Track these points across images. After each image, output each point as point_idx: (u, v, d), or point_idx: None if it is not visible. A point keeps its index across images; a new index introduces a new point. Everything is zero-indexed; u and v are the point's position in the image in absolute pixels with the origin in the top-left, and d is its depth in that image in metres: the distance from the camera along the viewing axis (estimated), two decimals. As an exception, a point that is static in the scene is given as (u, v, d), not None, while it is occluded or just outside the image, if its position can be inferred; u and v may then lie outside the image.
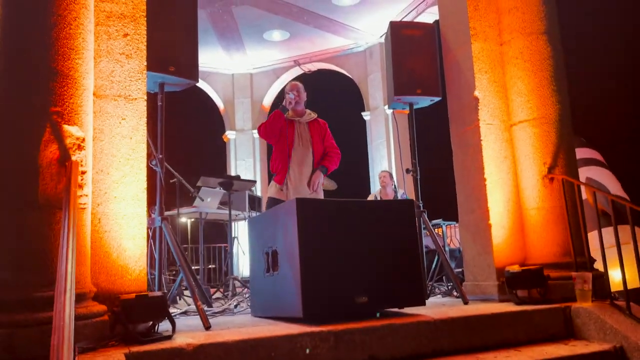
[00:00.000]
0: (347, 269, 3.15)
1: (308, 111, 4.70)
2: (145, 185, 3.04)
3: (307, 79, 10.63)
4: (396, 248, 3.31)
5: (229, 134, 11.26)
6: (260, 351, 2.65)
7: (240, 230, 8.74)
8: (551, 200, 3.87)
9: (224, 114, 11.45)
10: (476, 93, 4.13)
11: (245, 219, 6.73)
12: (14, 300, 2.39)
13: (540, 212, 3.91)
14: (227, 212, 5.87)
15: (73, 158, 2.65)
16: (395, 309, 3.36)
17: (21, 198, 2.50)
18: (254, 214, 6.67)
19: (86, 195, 2.73)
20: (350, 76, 10.83)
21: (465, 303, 3.79)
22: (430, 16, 9.10)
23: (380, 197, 7.50)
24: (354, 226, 3.23)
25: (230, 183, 5.47)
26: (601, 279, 3.59)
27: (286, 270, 3.18)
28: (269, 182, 4.69)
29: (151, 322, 2.74)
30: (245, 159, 11.12)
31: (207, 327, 2.99)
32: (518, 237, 4.02)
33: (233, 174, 10.41)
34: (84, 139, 2.71)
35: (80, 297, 2.57)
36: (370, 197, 7.72)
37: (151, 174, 3.30)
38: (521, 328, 3.29)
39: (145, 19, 3.20)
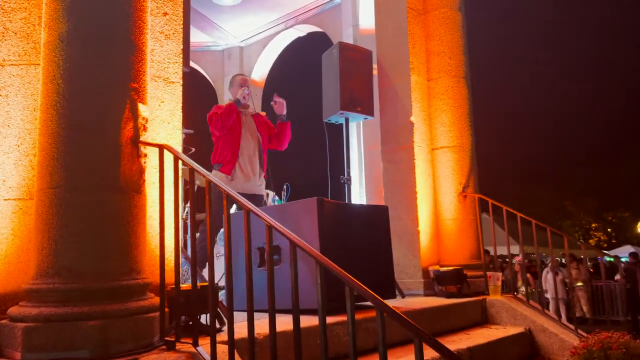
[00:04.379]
0: (347, 264, 3.48)
1: (248, 104, 4.86)
2: (180, 173, 2.92)
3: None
4: (376, 247, 3.77)
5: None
6: (311, 339, 2.85)
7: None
8: (464, 213, 4.79)
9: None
10: (412, 118, 4.85)
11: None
12: (101, 290, 2.17)
13: (455, 222, 4.80)
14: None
15: (141, 138, 2.49)
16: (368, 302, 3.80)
17: (103, 180, 2.27)
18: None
19: (145, 180, 2.56)
20: (204, 73, 10.74)
21: (403, 297, 4.42)
22: (296, 32, 9.71)
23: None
24: (351, 227, 3.59)
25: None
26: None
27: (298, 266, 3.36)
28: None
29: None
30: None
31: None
32: (435, 242, 4.84)
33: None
34: (147, 120, 2.56)
35: (145, 288, 2.43)
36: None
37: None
38: (460, 316, 4.07)
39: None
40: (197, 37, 10.17)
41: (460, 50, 5.06)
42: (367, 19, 7.65)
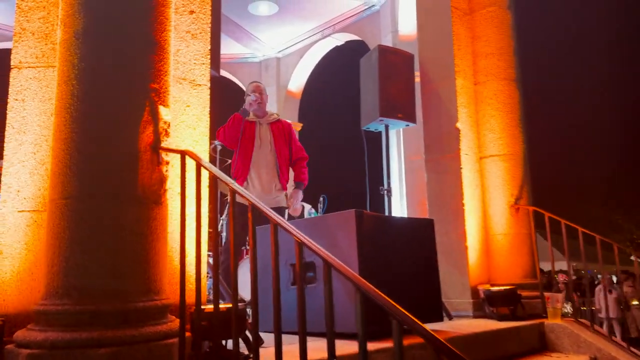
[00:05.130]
0: (389, 284, 3.16)
1: (270, 112, 4.66)
2: (207, 183, 2.69)
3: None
4: (421, 265, 3.44)
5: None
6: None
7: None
8: (517, 227, 4.39)
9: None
10: (458, 125, 4.51)
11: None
12: (114, 313, 1.93)
13: (506, 237, 4.40)
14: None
15: (162, 144, 2.26)
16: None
17: (119, 189, 2.05)
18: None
19: (166, 190, 2.33)
20: (242, 85, 10.65)
21: (450, 319, 4.05)
22: (333, 41, 9.50)
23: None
24: (394, 242, 3.27)
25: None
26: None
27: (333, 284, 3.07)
28: None
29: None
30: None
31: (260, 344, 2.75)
32: (484, 259, 4.45)
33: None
34: (169, 124, 2.33)
35: (165, 310, 2.18)
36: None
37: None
38: (515, 342, 3.67)
39: (211, -2, 2.87)
40: (235, 48, 10.11)
41: (511, 51, 4.69)
42: (406, 25, 7.36)
